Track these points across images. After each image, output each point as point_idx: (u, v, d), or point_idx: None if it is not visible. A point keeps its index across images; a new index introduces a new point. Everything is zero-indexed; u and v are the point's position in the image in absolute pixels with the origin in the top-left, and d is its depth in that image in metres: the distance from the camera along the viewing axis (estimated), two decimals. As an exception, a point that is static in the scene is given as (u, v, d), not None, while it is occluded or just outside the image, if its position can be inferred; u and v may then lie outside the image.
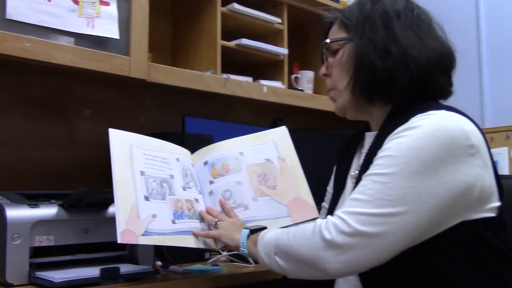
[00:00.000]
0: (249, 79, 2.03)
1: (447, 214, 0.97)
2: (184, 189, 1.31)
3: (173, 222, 1.23)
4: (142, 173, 1.24)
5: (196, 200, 1.32)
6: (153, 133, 1.52)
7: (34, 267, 1.21)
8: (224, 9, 1.93)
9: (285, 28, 2.14)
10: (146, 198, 1.21)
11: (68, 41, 1.47)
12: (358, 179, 1.08)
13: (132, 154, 1.25)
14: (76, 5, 1.48)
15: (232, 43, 1.97)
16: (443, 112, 1.01)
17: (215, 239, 1.27)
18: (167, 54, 2.08)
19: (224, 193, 1.34)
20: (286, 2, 2.15)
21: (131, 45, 1.58)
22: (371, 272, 0.98)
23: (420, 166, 0.95)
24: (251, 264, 1.51)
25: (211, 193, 1.35)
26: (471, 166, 0.97)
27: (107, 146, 1.22)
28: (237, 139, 1.43)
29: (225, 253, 1.57)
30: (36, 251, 1.23)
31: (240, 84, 1.92)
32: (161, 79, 1.67)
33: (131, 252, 1.38)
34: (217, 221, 1.26)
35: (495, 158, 1.06)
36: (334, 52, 1.18)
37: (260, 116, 2.28)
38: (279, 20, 2.12)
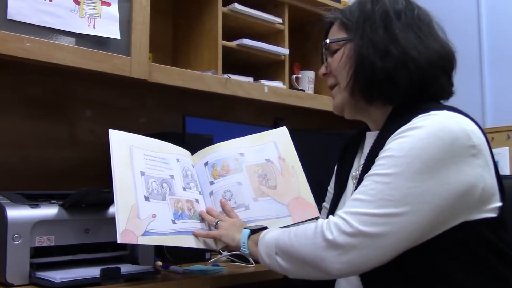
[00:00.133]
0: (250, 79, 2.03)
1: (449, 214, 0.97)
2: (184, 189, 1.31)
3: (174, 222, 1.23)
4: (142, 173, 1.24)
5: (197, 200, 1.32)
6: (153, 133, 1.52)
7: (35, 267, 1.21)
8: (225, 9, 1.93)
9: (286, 28, 2.14)
10: (146, 198, 1.21)
11: (69, 41, 1.47)
12: (359, 179, 1.08)
13: (132, 155, 1.25)
14: (77, 5, 1.48)
15: (233, 43, 1.97)
16: (445, 112, 1.01)
17: (216, 239, 1.27)
18: (168, 54, 2.08)
19: (225, 193, 1.34)
20: (287, 2, 2.15)
21: (132, 45, 1.58)
22: (372, 272, 0.98)
23: (422, 166, 0.95)
24: (252, 264, 1.51)
25: (211, 193, 1.35)
26: (473, 167, 0.97)
27: (107, 146, 1.22)
28: (237, 139, 1.43)
29: (225, 253, 1.57)
30: (37, 251, 1.23)
31: (240, 84, 1.92)
32: (162, 79, 1.67)
33: (131, 252, 1.38)
34: (218, 221, 1.26)
35: (495, 158, 1.06)
36: (334, 52, 1.18)
37: (260, 116, 2.28)
38: (280, 20, 2.12)
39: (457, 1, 2.85)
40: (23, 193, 1.31)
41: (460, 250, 0.99)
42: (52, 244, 1.24)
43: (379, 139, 1.09)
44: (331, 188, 1.36)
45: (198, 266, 1.45)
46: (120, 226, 1.13)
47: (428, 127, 0.97)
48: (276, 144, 1.42)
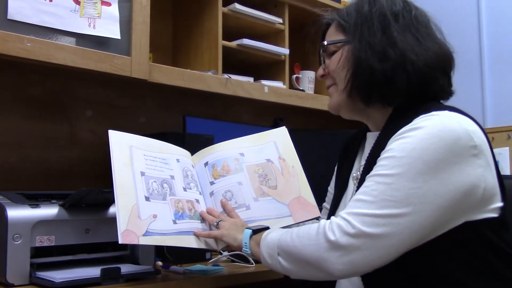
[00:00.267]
0: (250, 79, 2.03)
1: (451, 214, 0.97)
2: (184, 189, 1.31)
3: (174, 222, 1.23)
4: (142, 173, 1.23)
5: (197, 200, 1.32)
6: (153, 133, 1.52)
7: (35, 267, 1.21)
8: (225, 9, 1.93)
9: (286, 28, 2.15)
10: (147, 199, 1.21)
11: (69, 41, 1.47)
12: (360, 180, 1.08)
13: (132, 155, 1.25)
14: (77, 5, 1.48)
15: (233, 43, 1.97)
16: (446, 112, 1.01)
17: (217, 239, 1.26)
18: (168, 54, 2.08)
19: (225, 193, 1.34)
20: (287, 2, 2.15)
21: (132, 45, 1.58)
22: (373, 273, 0.98)
23: (424, 166, 0.95)
24: (252, 264, 1.51)
25: (212, 193, 1.35)
26: (475, 167, 0.97)
27: (107, 146, 1.22)
28: (237, 139, 1.43)
29: (226, 253, 1.57)
30: (37, 251, 1.23)
31: (241, 84, 1.92)
32: (162, 79, 1.67)
33: (132, 252, 1.38)
34: (219, 221, 1.26)
35: (496, 158, 1.06)
36: (332, 54, 1.18)
37: (261, 116, 2.28)
38: (280, 20, 2.12)
39: (457, 1, 2.85)
40: (23, 193, 1.31)
41: (462, 250, 0.99)
42: (53, 244, 1.24)
43: (380, 140, 1.09)
44: (331, 188, 1.36)
45: (198, 266, 1.45)
46: (121, 226, 1.13)
47: (429, 128, 0.97)
48: (276, 144, 1.42)
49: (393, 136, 1.01)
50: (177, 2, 2.09)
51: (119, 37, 1.55)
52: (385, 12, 1.11)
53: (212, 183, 1.36)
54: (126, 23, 1.58)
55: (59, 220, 1.24)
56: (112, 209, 1.32)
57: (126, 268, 1.27)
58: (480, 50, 2.77)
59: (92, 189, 1.25)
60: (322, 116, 2.20)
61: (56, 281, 1.14)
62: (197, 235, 1.25)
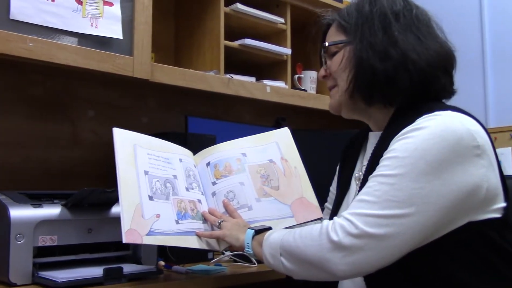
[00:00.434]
0: (252, 79, 2.03)
1: (454, 215, 0.96)
2: (187, 189, 1.31)
3: (177, 222, 1.23)
4: (146, 172, 1.23)
5: (199, 201, 1.32)
6: (155, 133, 1.52)
7: (38, 266, 1.21)
8: (227, 9, 1.93)
9: (288, 28, 2.14)
10: (150, 198, 1.20)
11: (71, 41, 1.47)
12: (363, 180, 1.08)
13: (136, 153, 1.24)
14: (79, 6, 1.48)
15: (235, 43, 1.97)
16: (449, 112, 1.00)
17: (219, 240, 1.26)
18: (170, 54, 2.08)
19: (227, 194, 1.34)
20: (289, 2, 2.15)
21: (134, 45, 1.58)
22: (376, 273, 0.98)
23: (427, 167, 0.94)
24: (254, 264, 1.51)
25: (214, 194, 1.35)
26: (477, 167, 0.97)
27: (109, 146, 1.22)
28: (239, 140, 1.43)
29: (228, 253, 1.57)
30: (40, 251, 1.23)
31: (243, 84, 1.92)
32: (164, 79, 1.67)
33: (134, 252, 1.38)
34: (221, 221, 1.26)
35: (499, 158, 1.06)
36: (333, 55, 1.18)
37: (263, 116, 2.28)
38: (282, 20, 2.12)
39: (460, 1, 2.85)
40: (26, 193, 1.32)
41: (465, 251, 0.99)
42: (55, 243, 1.24)
43: (382, 140, 1.08)
44: (333, 188, 1.35)
45: (200, 266, 1.45)
46: (125, 225, 1.13)
47: (432, 128, 0.97)
48: (278, 145, 1.42)
49: (396, 136, 1.01)
50: (179, 2, 2.09)
51: (121, 37, 1.55)
52: (386, 12, 1.11)
53: (214, 183, 1.36)
54: (128, 23, 1.58)
55: (61, 220, 1.25)
56: (114, 209, 1.32)
57: (128, 268, 1.27)
58: (482, 48, 2.76)
59: (95, 189, 1.25)
60: (324, 116, 2.19)
61: (59, 281, 1.15)
62: (199, 236, 1.25)
